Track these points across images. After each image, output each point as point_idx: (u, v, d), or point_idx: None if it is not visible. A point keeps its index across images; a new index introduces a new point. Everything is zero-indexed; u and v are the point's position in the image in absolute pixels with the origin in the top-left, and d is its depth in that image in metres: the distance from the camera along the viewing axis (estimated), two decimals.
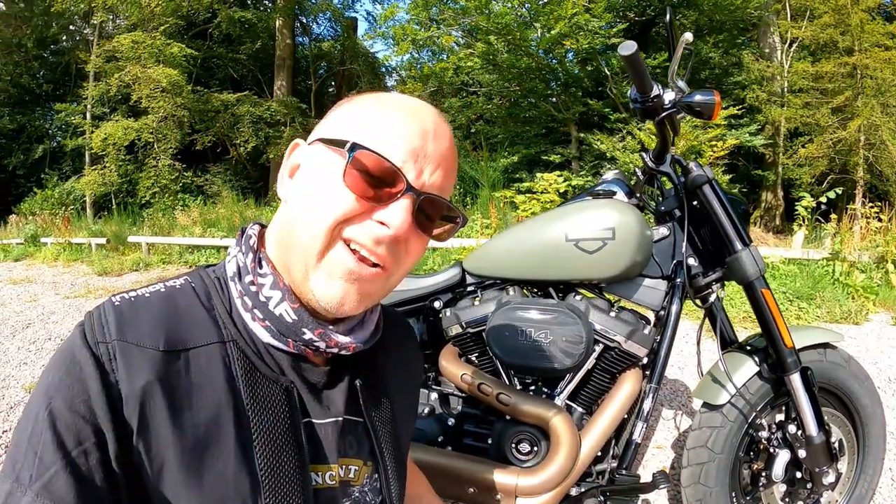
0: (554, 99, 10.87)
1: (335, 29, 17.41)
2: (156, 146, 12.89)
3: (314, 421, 0.67)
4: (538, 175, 7.34)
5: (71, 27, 17.50)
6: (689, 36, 1.24)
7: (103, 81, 13.39)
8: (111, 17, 14.82)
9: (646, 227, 1.40)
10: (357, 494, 0.71)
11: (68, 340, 0.57)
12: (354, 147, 0.59)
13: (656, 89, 1.32)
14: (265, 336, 0.64)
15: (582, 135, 10.08)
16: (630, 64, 1.24)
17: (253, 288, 0.63)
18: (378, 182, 0.60)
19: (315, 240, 0.60)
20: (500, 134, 11.50)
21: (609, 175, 1.57)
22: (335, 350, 0.66)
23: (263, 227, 0.73)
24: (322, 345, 0.65)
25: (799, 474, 1.48)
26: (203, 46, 14.63)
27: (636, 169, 1.57)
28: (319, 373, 0.68)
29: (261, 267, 0.65)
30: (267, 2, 16.66)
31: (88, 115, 14.52)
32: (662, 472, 1.40)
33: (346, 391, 0.70)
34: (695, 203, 1.45)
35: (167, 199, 12.45)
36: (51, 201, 14.30)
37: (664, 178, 1.55)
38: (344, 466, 0.69)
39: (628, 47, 1.21)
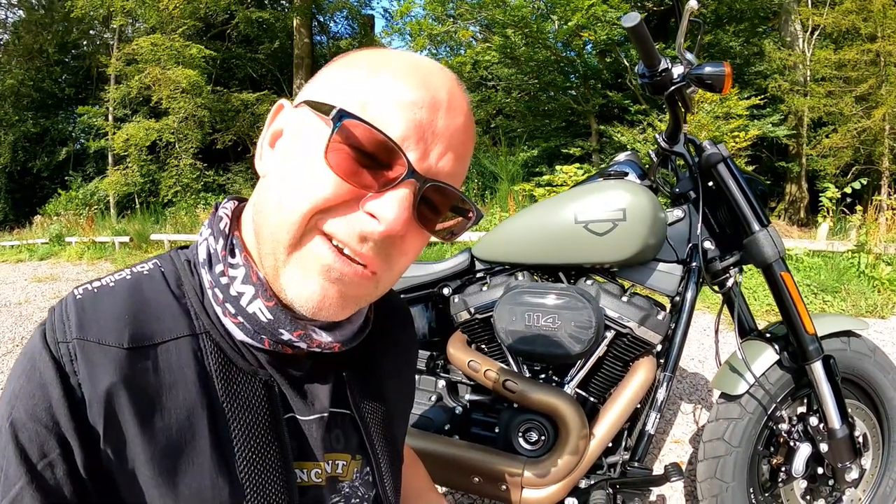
0: (573, 91, 10.82)
1: (352, 27, 17.45)
2: (177, 146, 13.08)
3: (298, 417, 0.61)
4: (558, 168, 7.29)
5: (91, 32, 17.85)
6: (693, 3, 1.20)
7: (124, 84, 13.61)
8: (130, 20, 15.04)
9: (659, 208, 1.35)
10: (347, 490, 0.66)
11: (29, 342, 0.52)
12: (342, 115, 0.48)
13: (664, 63, 1.28)
14: (238, 334, 0.57)
15: (602, 127, 10.01)
16: (635, 36, 1.20)
17: (224, 280, 0.56)
18: (371, 162, 0.50)
19: (286, 228, 0.51)
20: (519, 128, 11.46)
21: (621, 157, 1.53)
22: (318, 350, 0.59)
23: (243, 200, 0.64)
24: (303, 345, 0.58)
25: (820, 470, 1.42)
26: (222, 47, 14.78)
27: (650, 151, 1.53)
28: (302, 365, 0.62)
29: (233, 255, 0.57)
30: (284, 1, 16.77)
31: (110, 117, 14.81)
32: (675, 464, 1.35)
33: (332, 383, 0.64)
34: (710, 184, 1.40)
35: (189, 197, 12.61)
36: (75, 202, 14.58)
37: (679, 160, 1.50)
38: (331, 462, 0.64)
39: (632, 18, 1.16)
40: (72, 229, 10.89)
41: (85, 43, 18.45)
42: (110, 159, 14.79)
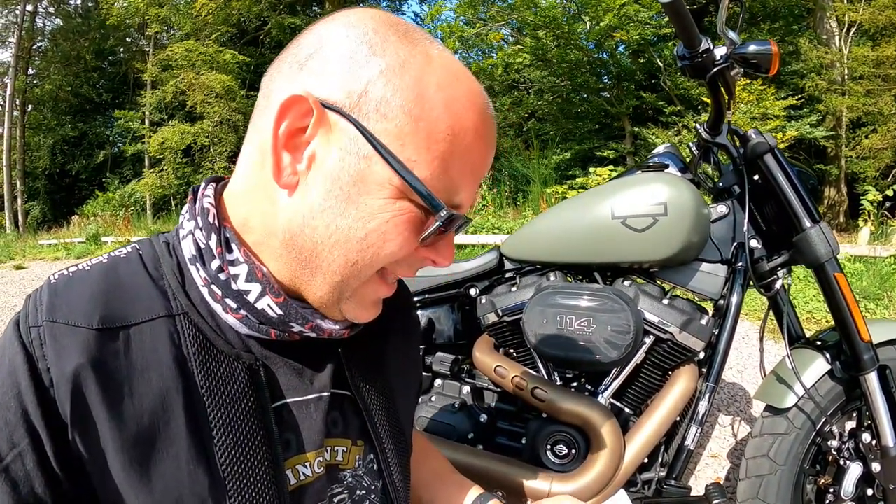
0: (606, 93, 10.76)
1: None
2: (212, 149, 13.40)
3: (292, 400, 0.57)
4: (591, 170, 7.21)
5: (127, 39, 18.47)
6: None
7: (160, 89, 14.02)
8: (165, 28, 15.45)
9: (702, 203, 1.26)
10: (350, 479, 0.62)
11: (4, 332, 0.50)
12: (452, 218, 0.52)
13: (705, 43, 1.18)
14: (241, 328, 0.55)
15: (636, 129, 9.92)
16: (673, 14, 1.10)
17: (223, 276, 0.53)
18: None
19: (358, 278, 0.54)
20: (552, 130, 11.45)
21: (660, 148, 1.43)
22: (327, 337, 0.59)
23: (220, 179, 0.61)
24: (313, 335, 0.57)
25: (870, 491, 1.30)
26: (255, 53, 15.12)
27: (690, 144, 1.43)
28: (298, 344, 0.59)
29: (230, 251, 0.54)
30: (315, 7, 17.01)
31: (147, 121, 15.26)
32: (717, 484, 1.24)
33: (331, 363, 0.61)
34: (756, 177, 1.30)
35: None
36: (112, 203, 15.03)
37: (721, 153, 1.40)
38: (329, 448, 0.60)
39: None
40: (108, 229, 11.17)
41: (121, 49, 19.09)
42: (146, 162, 15.25)
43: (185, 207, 0.57)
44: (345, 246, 0.51)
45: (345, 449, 0.62)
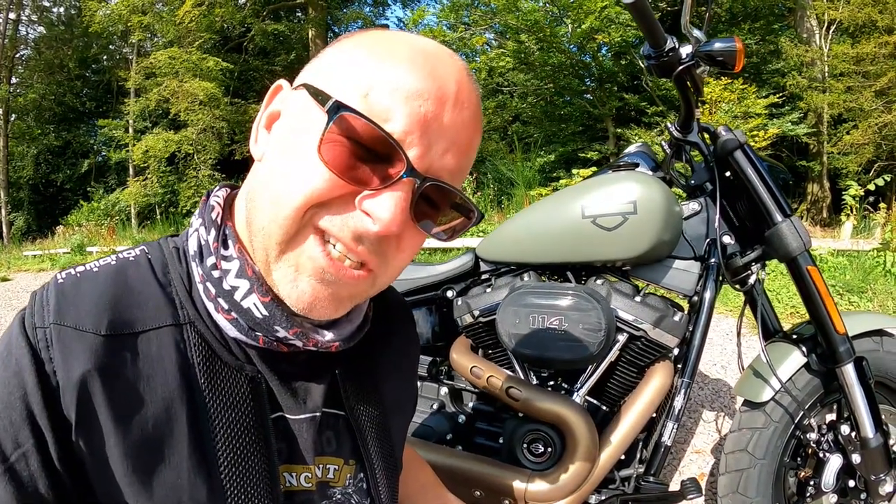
0: (589, 95, 10.84)
1: None
2: (196, 157, 13.29)
3: (288, 416, 0.57)
4: (574, 172, 7.23)
5: (110, 47, 18.34)
6: None
7: (143, 97, 13.89)
8: (148, 35, 15.35)
9: (673, 200, 1.27)
10: (339, 496, 0.62)
11: (8, 329, 0.50)
12: (339, 107, 0.45)
13: (670, 42, 1.19)
14: (231, 331, 0.54)
15: (619, 130, 10.00)
16: (637, 13, 1.11)
17: (216, 273, 0.53)
18: (369, 156, 0.48)
19: (278, 223, 0.49)
20: (535, 133, 11.51)
21: (632, 148, 1.44)
22: (314, 349, 0.57)
23: (235, 188, 0.61)
24: (299, 343, 0.55)
25: (852, 483, 1.32)
26: (239, 60, 15.05)
27: (662, 143, 1.44)
28: (294, 362, 0.59)
29: (226, 247, 0.54)
30: (299, 13, 16.98)
31: (131, 130, 15.14)
32: (694, 479, 1.25)
33: (326, 382, 0.61)
34: (727, 174, 1.31)
35: None
36: (97, 212, 14.87)
37: (693, 151, 1.41)
38: (321, 466, 0.60)
39: None
40: (93, 239, 11.06)
41: (105, 57, 18.96)
42: (131, 171, 15.11)
43: (198, 210, 0.58)
44: (268, 186, 0.50)
45: (336, 467, 0.62)
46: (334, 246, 0.50)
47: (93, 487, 0.48)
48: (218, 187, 0.60)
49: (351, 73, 0.49)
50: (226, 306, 0.53)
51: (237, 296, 0.52)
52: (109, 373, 0.47)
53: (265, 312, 0.52)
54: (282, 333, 0.54)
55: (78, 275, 0.52)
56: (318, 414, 0.59)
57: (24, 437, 0.45)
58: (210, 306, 0.54)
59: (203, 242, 0.54)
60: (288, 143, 0.50)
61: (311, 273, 0.50)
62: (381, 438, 0.66)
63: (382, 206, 0.47)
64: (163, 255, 0.56)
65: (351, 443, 0.63)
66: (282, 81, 0.55)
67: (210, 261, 0.53)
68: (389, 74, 0.48)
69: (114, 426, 0.47)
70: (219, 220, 0.56)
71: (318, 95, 0.47)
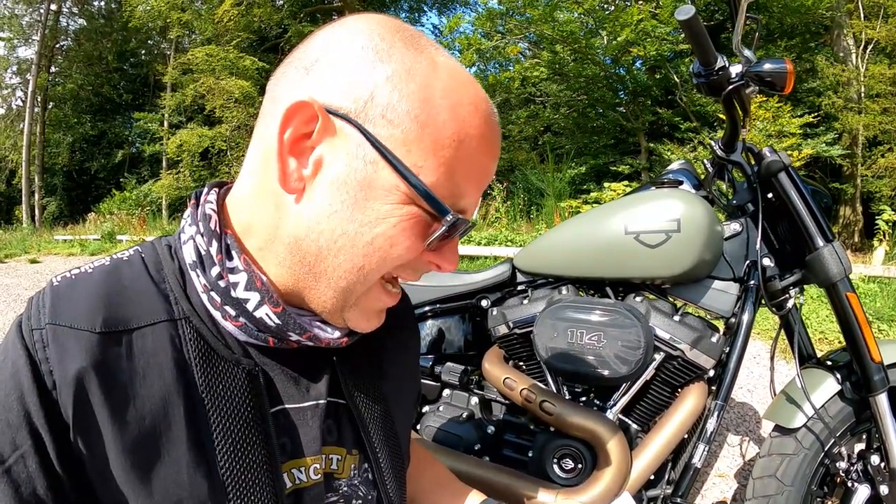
0: (622, 108, 10.77)
1: None
2: (229, 153, 13.51)
3: (290, 406, 0.57)
4: (605, 185, 7.19)
5: (149, 41, 18.78)
6: None
7: (179, 92, 14.18)
8: (186, 32, 15.66)
9: (715, 220, 1.26)
10: (346, 489, 0.61)
11: (7, 334, 0.50)
12: (457, 223, 0.52)
13: (721, 61, 1.18)
14: (239, 335, 0.55)
15: (651, 145, 9.90)
16: (689, 31, 1.11)
17: (222, 283, 0.53)
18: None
19: (362, 282, 0.54)
20: (567, 144, 11.46)
21: (675, 165, 1.43)
22: (325, 346, 0.59)
23: (224, 185, 0.61)
24: (310, 344, 0.57)
25: None
26: (275, 60, 15.20)
27: (704, 161, 1.43)
28: (295, 352, 0.59)
29: (230, 258, 0.54)
30: (335, 16, 17.18)
31: (166, 123, 15.45)
32: (722, 502, 1.24)
33: (327, 371, 0.61)
34: (770, 195, 1.30)
35: None
36: (128, 202, 15.20)
37: (736, 171, 1.40)
38: (325, 456, 0.60)
39: (685, 11, 1.08)
40: (123, 228, 11.29)
41: (143, 52, 19.43)
42: (164, 163, 15.44)
43: (187, 212, 0.57)
44: (351, 251, 0.51)
45: (339, 458, 0.62)
46: (393, 286, 0.58)
47: (93, 487, 0.48)
48: (206, 189, 0.59)
49: (430, 139, 0.50)
50: (233, 313, 0.53)
51: (248, 306, 0.53)
52: (105, 369, 0.47)
53: (278, 322, 0.54)
54: (294, 338, 0.56)
55: (73, 277, 0.53)
56: (322, 401, 0.59)
57: (21, 439, 0.45)
58: (217, 314, 0.54)
59: (204, 253, 0.54)
60: (359, 200, 0.50)
61: (380, 310, 0.59)
62: (385, 428, 0.66)
63: (450, 259, 0.56)
64: (156, 253, 0.56)
65: (353, 432, 0.63)
66: (309, 100, 0.48)
67: (214, 271, 0.53)
68: (470, 160, 0.52)
69: (111, 423, 0.47)
70: (217, 228, 0.55)
71: (403, 172, 0.49)
